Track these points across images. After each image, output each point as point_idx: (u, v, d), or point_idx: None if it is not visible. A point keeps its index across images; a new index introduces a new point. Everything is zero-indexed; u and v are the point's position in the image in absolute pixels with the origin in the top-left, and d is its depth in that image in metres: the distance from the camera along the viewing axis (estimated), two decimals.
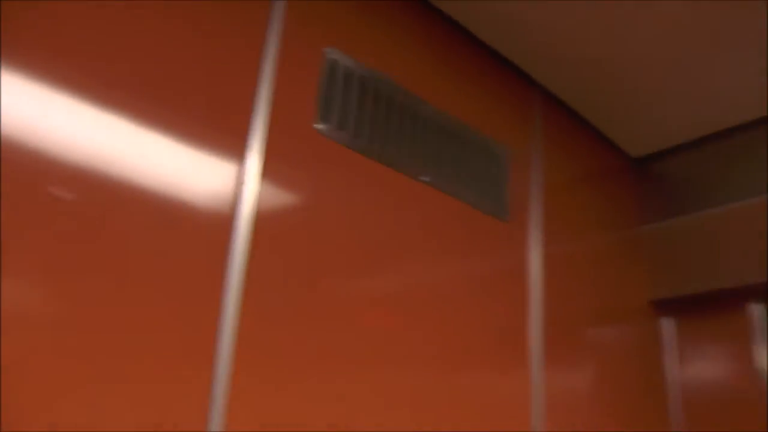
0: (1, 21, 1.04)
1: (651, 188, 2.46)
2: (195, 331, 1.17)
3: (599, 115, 2.28)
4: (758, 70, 2.00)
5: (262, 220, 1.31)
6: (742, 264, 2.15)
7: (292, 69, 1.44)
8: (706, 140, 2.36)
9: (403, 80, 1.68)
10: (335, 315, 1.38)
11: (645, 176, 2.49)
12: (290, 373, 1.28)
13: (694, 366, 2.29)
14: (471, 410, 1.58)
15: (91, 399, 1.03)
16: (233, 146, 1.31)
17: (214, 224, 1.24)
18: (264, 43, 1.41)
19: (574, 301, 2.02)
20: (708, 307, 2.28)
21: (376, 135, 1.58)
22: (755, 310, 2.20)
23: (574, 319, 2.00)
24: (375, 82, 1.62)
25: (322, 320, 1.36)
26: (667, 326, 2.36)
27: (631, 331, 2.24)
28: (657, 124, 2.31)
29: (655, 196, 2.44)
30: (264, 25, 1.42)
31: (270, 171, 1.35)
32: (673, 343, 2.34)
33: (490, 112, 1.92)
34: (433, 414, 1.50)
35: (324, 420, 1.30)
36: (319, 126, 1.47)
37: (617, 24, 1.84)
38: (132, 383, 1.08)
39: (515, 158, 1.95)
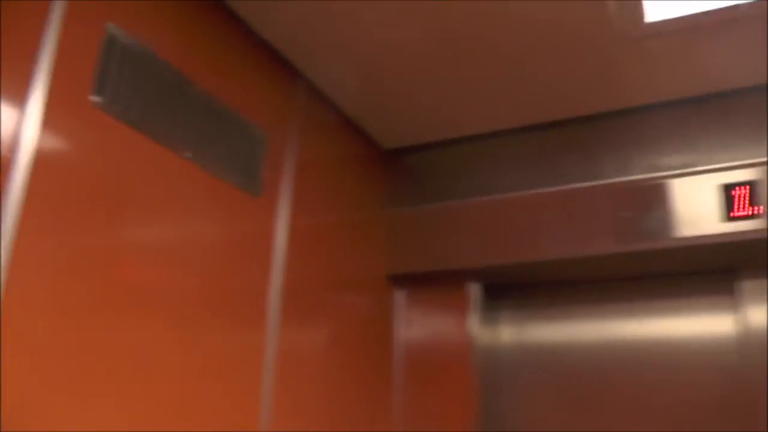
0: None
1: (397, 178, 2.72)
2: None
3: (357, 110, 2.46)
4: (508, 81, 2.29)
5: (34, 179, 1.31)
6: (465, 250, 2.50)
7: (74, 39, 1.43)
8: (449, 142, 2.68)
9: (177, 61, 1.72)
10: (95, 270, 1.43)
11: (393, 167, 2.74)
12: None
13: (419, 332, 2.62)
14: (208, 364, 1.69)
15: None
16: (11, 105, 1.29)
17: None
18: (48, 10, 1.39)
19: (317, 271, 2.20)
20: (435, 284, 2.62)
21: (147, 110, 1.61)
22: (472, 288, 2.58)
23: (315, 287, 2.18)
24: (149, 60, 1.64)
25: (86, 275, 1.40)
26: (400, 298, 2.66)
27: (368, 300, 2.49)
28: (408, 122, 2.55)
29: (400, 184, 2.71)
30: None
31: (45, 134, 1.34)
32: (404, 313, 2.65)
33: (255, 97, 2.01)
34: (178, 368, 1.59)
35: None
36: (95, 98, 1.47)
37: (385, 27, 1.99)
38: None
39: (274, 142, 2.06)
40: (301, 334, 2.08)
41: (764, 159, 2.21)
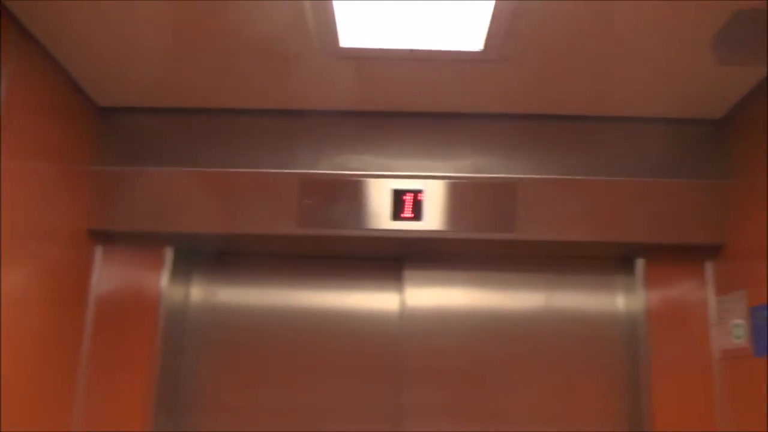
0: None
1: (109, 136, 2.75)
2: None
3: (75, 65, 2.44)
4: (218, 68, 2.42)
5: None
6: (163, 215, 2.65)
7: None
8: (163, 110, 2.78)
9: None
10: None
11: (107, 125, 2.76)
12: None
13: (113, 287, 2.73)
14: None
15: None
16: None
17: None
18: None
19: (17, 217, 2.18)
20: (133, 243, 2.74)
21: None
22: (167, 251, 2.76)
23: (14, 234, 2.16)
24: None
25: None
26: (99, 253, 2.75)
27: (66, 252, 2.54)
28: (126, 84, 2.58)
29: (111, 143, 2.74)
30: None
31: None
32: (100, 267, 2.75)
33: None
34: None
35: None
36: None
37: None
38: None
39: None
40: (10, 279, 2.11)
41: (430, 174, 2.68)
